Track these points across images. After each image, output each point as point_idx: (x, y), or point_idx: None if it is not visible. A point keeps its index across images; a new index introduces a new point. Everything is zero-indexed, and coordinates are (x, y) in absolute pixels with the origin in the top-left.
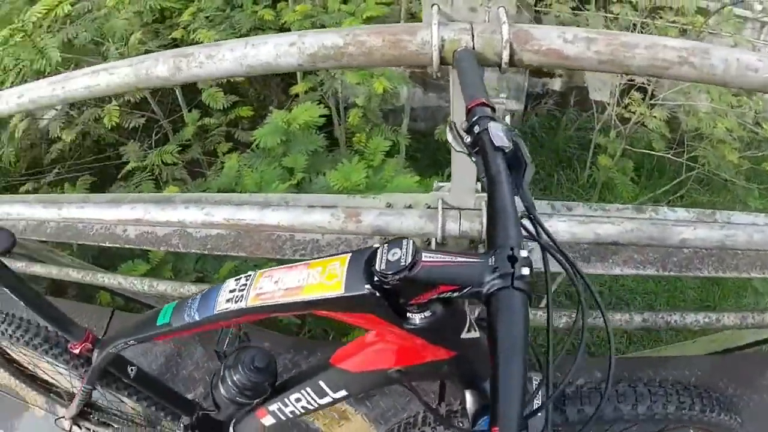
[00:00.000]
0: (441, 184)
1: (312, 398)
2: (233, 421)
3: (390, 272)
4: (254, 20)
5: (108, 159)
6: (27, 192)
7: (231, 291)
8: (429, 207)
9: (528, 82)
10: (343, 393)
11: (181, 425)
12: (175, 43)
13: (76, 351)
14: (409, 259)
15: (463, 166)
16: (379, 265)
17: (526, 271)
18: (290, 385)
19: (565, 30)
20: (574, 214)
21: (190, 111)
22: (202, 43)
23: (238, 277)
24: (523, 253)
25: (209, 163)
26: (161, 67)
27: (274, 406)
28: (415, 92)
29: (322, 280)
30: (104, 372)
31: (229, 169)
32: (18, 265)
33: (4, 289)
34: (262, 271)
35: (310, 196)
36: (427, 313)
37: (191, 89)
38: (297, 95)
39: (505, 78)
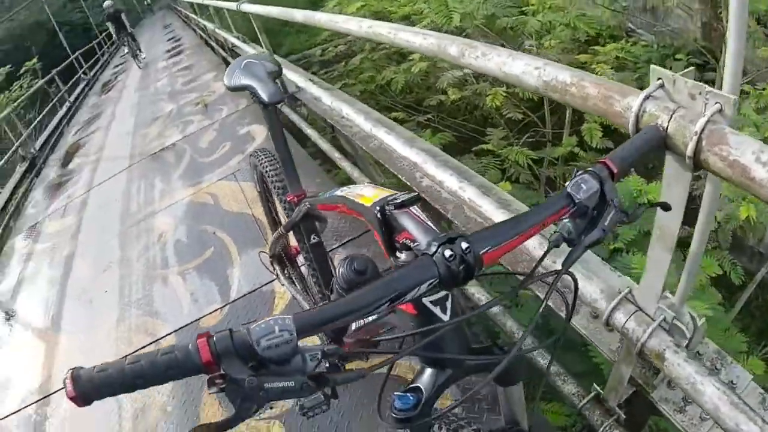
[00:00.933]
0: None
1: None
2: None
3: (388, 203)
4: None
5: (479, 133)
6: (395, 119)
7: (347, 188)
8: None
9: None
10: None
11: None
12: (581, 63)
13: (288, 199)
14: (398, 202)
15: (657, 269)
16: (391, 200)
17: (449, 253)
18: None
19: (766, 149)
20: (732, 391)
21: (571, 135)
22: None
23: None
24: (464, 245)
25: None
26: (453, 48)
27: None
28: None
29: (371, 196)
30: (297, 226)
31: None
32: (336, 155)
33: (268, 132)
34: (366, 183)
35: None
36: (406, 256)
37: (581, 117)
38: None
39: None
